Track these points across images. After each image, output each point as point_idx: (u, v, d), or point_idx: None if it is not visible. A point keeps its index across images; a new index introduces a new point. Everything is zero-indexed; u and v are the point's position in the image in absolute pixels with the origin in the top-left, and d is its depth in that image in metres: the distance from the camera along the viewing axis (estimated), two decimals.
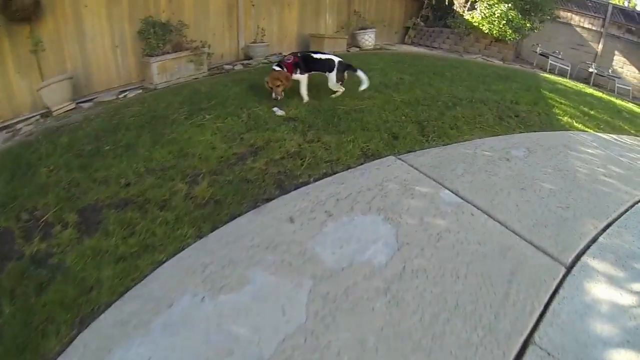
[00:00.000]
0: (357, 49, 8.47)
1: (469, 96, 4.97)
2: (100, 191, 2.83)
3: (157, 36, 5.57)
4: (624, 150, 4.22)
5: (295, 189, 2.70)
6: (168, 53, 5.66)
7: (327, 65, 4.36)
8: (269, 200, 2.62)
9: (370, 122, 3.80)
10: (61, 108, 5.04)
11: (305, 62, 4.37)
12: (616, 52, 10.04)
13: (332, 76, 4.36)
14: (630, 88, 9.14)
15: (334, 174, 2.90)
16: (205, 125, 3.67)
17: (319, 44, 7.74)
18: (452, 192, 2.73)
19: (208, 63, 6.37)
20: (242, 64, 6.92)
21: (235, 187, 2.76)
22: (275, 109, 4.01)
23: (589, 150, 3.94)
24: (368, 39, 8.75)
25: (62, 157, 3.38)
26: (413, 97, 4.70)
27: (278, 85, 4.16)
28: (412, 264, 2.08)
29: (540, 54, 9.83)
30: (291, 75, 4.29)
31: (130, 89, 5.76)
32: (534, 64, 9.83)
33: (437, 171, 2.99)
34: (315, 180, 2.83)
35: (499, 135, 3.96)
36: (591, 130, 4.74)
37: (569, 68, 9.38)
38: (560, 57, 9.79)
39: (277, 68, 4.25)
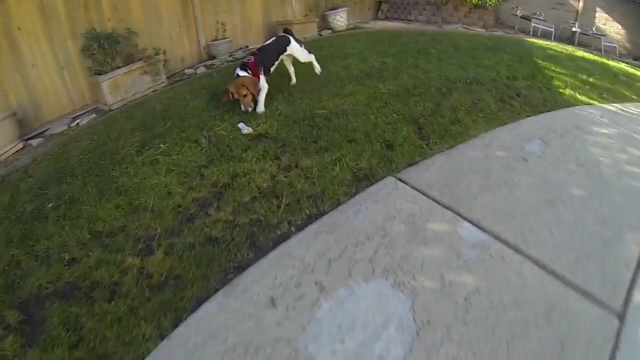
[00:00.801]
0: (330, 32, 7.64)
1: (462, 76, 4.28)
2: (42, 273, 2.20)
3: (104, 50, 4.75)
4: (634, 124, 3.64)
5: (273, 248, 2.06)
6: (118, 68, 4.85)
7: (283, 43, 3.89)
8: (241, 267, 1.99)
9: (357, 128, 3.13)
10: (7, 151, 4.28)
11: (265, 54, 3.75)
12: (597, 9, 9.28)
13: (295, 46, 3.95)
14: (616, 45, 8.45)
15: (321, 215, 2.26)
16: (159, 160, 2.97)
17: None
18: (472, 223, 2.12)
19: (166, 71, 5.57)
20: (205, 66, 6.10)
21: (198, 253, 2.12)
22: (240, 125, 3.32)
23: (602, 130, 3.34)
24: (340, 20, 7.89)
25: (1, 224, 2.71)
26: (401, 85, 4.00)
27: (245, 95, 3.46)
28: (438, 357, 1.49)
29: (522, 17, 9.09)
30: (259, 77, 3.60)
31: (84, 113, 4.99)
32: (516, 28, 9.10)
33: (449, 192, 2.37)
34: (298, 229, 2.19)
35: (506, 123, 3.33)
36: (596, 102, 4.14)
37: (552, 29, 8.66)
38: (542, 18, 9.04)
39: (242, 73, 3.57)
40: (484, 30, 8.24)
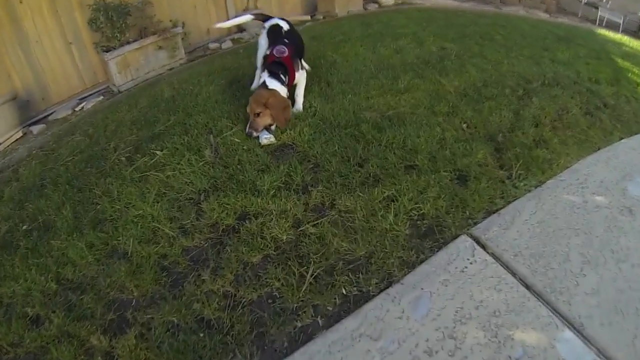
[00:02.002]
0: (376, 6, 6.53)
1: (539, 74, 3.24)
2: (3, 330, 1.67)
3: (112, 23, 4.04)
4: None
5: (288, 353, 1.35)
6: (129, 43, 4.16)
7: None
8: None
9: (418, 147, 2.26)
10: (6, 140, 3.79)
11: (295, 39, 2.84)
12: None
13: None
14: None
15: (364, 298, 1.50)
16: (149, 178, 2.28)
17: (329, 3, 5.90)
18: (574, 329, 1.32)
19: (187, 45, 4.82)
20: (233, 39, 5.27)
21: (182, 344, 1.43)
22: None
23: None
24: None
25: None
26: (469, 82, 3.04)
27: (259, 115, 2.38)
28: None
29: (586, 4, 7.71)
30: (294, 76, 2.64)
31: (92, 95, 4.39)
32: (579, 15, 7.69)
33: (543, 268, 1.54)
34: (328, 321, 1.44)
35: (598, 147, 2.39)
36: None
37: (621, 21, 7.22)
38: (608, 7, 7.55)
39: (272, 84, 2.46)
40: (547, 15, 6.98)
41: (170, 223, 1.96)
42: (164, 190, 2.15)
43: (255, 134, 2.41)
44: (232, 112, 2.78)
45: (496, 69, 3.32)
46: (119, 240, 1.92)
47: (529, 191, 2.00)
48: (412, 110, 2.62)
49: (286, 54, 2.57)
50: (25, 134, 3.90)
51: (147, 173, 2.28)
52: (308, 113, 2.65)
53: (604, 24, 7.28)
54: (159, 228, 1.93)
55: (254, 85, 3.01)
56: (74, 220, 2.14)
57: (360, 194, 1.95)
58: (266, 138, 2.43)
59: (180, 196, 2.11)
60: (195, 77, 3.66)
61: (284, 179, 2.09)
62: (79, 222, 2.11)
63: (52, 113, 4.19)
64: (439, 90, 2.92)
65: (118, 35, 4.10)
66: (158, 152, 2.51)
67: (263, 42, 2.88)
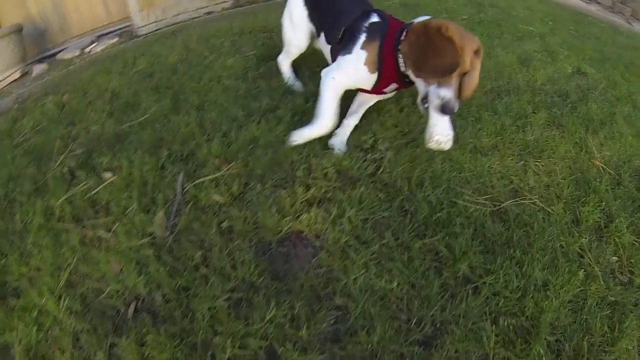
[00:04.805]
0: None
1: None
2: None
3: None
4: None
5: None
6: None
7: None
8: None
9: (540, 313, 1.18)
10: (2, 80, 3.17)
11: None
12: None
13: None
14: None
15: None
16: (70, 238, 1.42)
17: None
18: None
19: None
20: None
21: None
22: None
23: None
24: None
25: None
26: (625, 154, 1.78)
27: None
28: None
29: None
30: None
31: (110, 33, 3.58)
32: None
33: None
34: None
35: None
36: None
37: None
38: None
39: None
40: None
41: (72, 348, 1.14)
42: (77, 277, 1.31)
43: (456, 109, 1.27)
44: (239, 120, 1.77)
45: None
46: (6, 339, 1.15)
47: None
48: (544, 203, 1.46)
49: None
50: (24, 74, 3.24)
51: (68, 227, 1.44)
52: (360, 167, 1.53)
53: None
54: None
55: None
56: None
57: None
58: (447, 136, 1.36)
59: (97, 299, 1.25)
60: (221, 36, 2.61)
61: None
62: None
63: (63, 49, 3.47)
64: (583, 162, 1.68)
65: None
66: (107, 175, 1.63)
67: None
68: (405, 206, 1.35)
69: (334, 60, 1.52)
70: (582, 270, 1.34)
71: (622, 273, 1.44)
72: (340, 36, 1.46)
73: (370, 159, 1.48)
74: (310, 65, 1.92)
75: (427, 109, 1.30)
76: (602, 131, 1.87)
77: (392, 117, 1.64)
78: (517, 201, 1.44)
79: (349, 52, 1.40)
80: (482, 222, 1.34)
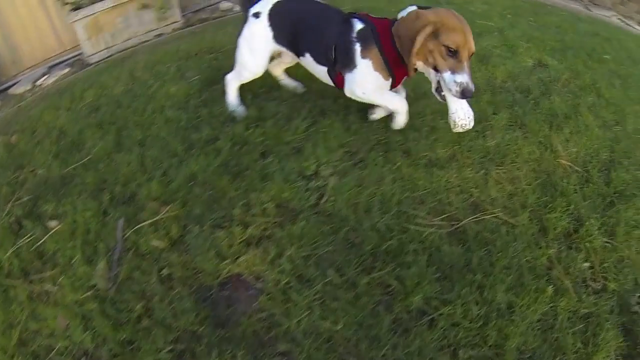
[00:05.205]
0: None
1: None
2: None
3: None
4: None
5: None
6: (101, 0, 3.04)
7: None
8: None
9: (506, 342, 1.09)
10: None
11: None
12: None
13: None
14: None
15: None
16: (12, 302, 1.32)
17: None
18: None
19: (189, 3, 3.60)
20: None
21: None
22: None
23: None
24: None
25: None
26: (591, 149, 1.70)
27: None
28: None
29: None
30: None
31: (62, 63, 3.45)
32: None
33: None
34: None
35: None
36: None
37: None
38: None
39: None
40: None
41: None
42: (28, 334, 1.22)
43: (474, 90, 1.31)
44: (179, 155, 1.65)
45: (620, 124, 1.88)
46: None
47: None
48: (507, 215, 1.35)
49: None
50: None
51: (16, 283, 1.33)
52: (302, 197, 1.42)
53: None
54: None
55: None
56: None
57: None
58: (469, 118, 1.37)
59: (48, 357, 1.16)
60: (167, 61, 2.48)
61: None
62: None
63: (16, 83, 3.34)
64: (549, 163, 1.59)
65: None
66: (52, 224, 1.54)
67: None
68: (351, 237, 1.24)
69: (334, 80, 1.51)
70: (551, 285, 1.26)
71: (595, 280, 1.36)
72: (333, 55, 1.42)
73: (313, 187, 1.37)
74: (253, 89, 1.80)
75: (443, 96, 1.33)
76: (567, 126, 1.78)
77: (338, 137, 1.52)
78: (477, 217, 1.33)
79: (354, 67, 1.40)
80: (438, 246, 1.24)
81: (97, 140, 1.91)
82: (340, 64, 1.42)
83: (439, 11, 1.29)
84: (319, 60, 1.49)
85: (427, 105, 1.64)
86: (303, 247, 1.20)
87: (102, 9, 3.00)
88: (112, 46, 3.15)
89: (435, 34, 1.25)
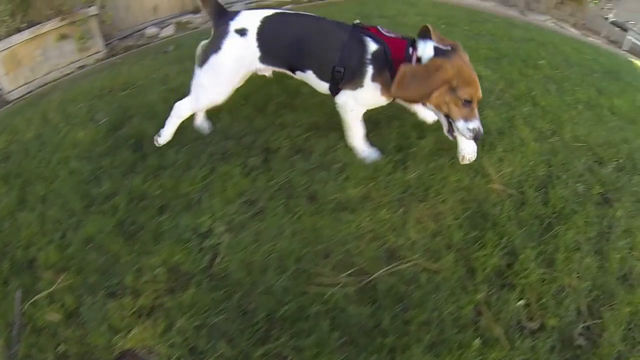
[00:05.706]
0: None
1: (608, 144, 1.79)
2: None
3: None
4: None
5: None
6: (19, 31, 2.82)
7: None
8: None
9: None
10: None
11: None
12: None
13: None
14: None
15: None
16: None
17: None
18: None
19: (115, 30, 3.39)
20: (179, 23, 3.71)
21: None
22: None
23: None
24: None
25: None
26: (527, 168, 1.59)
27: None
28: None
29: (613, 23, 5.98)
30: None
31: None
32: (601, 35, 6.00)
33: None
34: None
35: None
36: None
37: None
38: (637, 29, 5.70)
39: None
40: (576, 31, 5.58)
41: None
42: None
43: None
44: (78, 214, 1.47)
45: (558, 133, 1.80)
46: None
47: None
48: (428, 259, 1.20)
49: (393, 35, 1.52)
50: None
51: None
52: (195, 259, 1.25)
53: (628, 49, 5.74)
54: None
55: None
56: None
57: None
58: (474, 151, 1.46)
59: None
60: (80, 100, 2.28)
61: None
62: None
63: None
64: (480, 190, 1.46)
65: (7, 19, 2.77)
66: None
67: None
68: (244, 304, 1.08)
69: (333, 93, 1.46)
70: (478, 337, 1.11)
71: (531, 319, 1.22)
72: (342, 76, 1.38)
73: (207, 247, 1.20)
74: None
75: (454, 136, 1.41)
76: (500, 144, 1.67)
77: (237, 185, 1.36)
78: (391, 268, 1.18)
79: (360, 87, 1.38)
80: (343, 307, 1.08)
81: (2, 197, 1.72)
82: (347, 81, 1.39)
83: (455, 62, 1.30)
84: (322, 78, 1.42)
85: (340, 138, 1.49)
86: (194, 317, 1.05)
87: (19, 41, 2.78)
88: (32, 81, 2.92)
89: (451, 88, 1.29)
